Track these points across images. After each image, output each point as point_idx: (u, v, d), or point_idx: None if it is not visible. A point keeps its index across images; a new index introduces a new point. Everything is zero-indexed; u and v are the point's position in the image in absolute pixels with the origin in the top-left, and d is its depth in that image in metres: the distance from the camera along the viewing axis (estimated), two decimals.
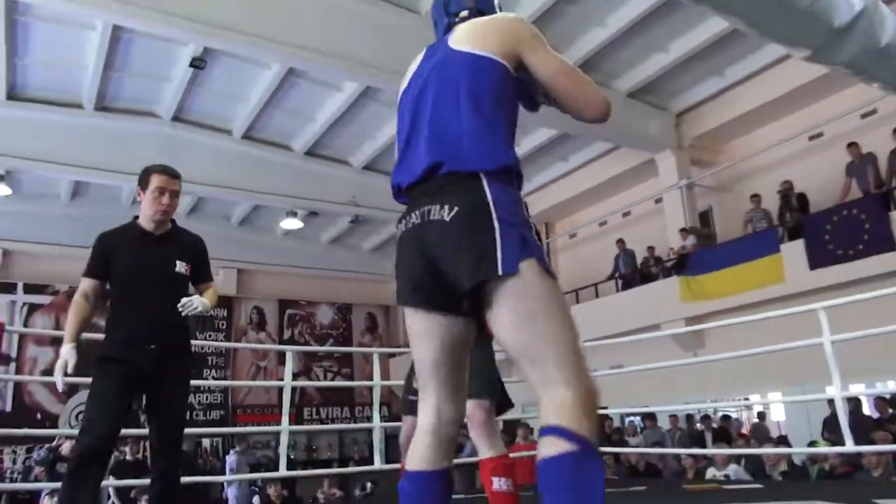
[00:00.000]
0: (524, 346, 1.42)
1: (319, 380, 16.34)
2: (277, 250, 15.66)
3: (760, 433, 8.76)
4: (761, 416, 9.75)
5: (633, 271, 11.79)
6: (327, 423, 15.83)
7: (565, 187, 13.35)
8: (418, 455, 1.57)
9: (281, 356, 14.57)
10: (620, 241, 12.28)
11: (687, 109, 11.34)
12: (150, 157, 10.57)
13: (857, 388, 7.98)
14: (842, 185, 9.00)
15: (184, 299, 2.81)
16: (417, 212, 1.56)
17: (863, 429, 7.02)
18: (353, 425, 15.86)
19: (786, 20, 2.49)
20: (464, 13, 1.78)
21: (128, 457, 8.29)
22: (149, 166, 2.93)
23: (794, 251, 8.77)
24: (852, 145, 8.95)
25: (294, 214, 13.70)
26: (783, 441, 7.67)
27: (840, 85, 9.52)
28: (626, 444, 9.09)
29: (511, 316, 1.43)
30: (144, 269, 2.82)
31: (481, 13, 1.77)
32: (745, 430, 9.45)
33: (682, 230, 10.71)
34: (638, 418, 10.52)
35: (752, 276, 9.04)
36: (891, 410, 7.49)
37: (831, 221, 8.48)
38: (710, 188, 11.69)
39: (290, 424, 4.92)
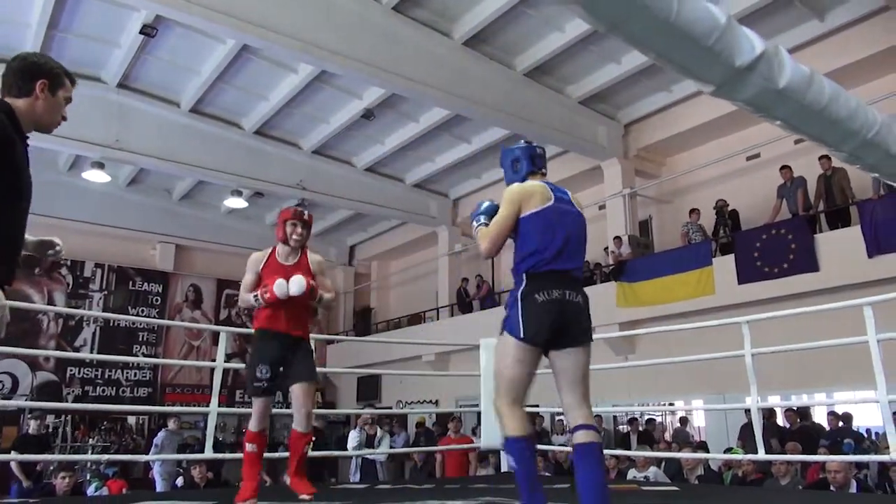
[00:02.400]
0: (586, 377, 2.60)
1: None
2: (219, 228, 15.31)
3: (681, 438, 9.06)
4: (683, 421, 10.09)
5: None
6: None
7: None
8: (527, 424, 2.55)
9: (215, 336, 14.25)
10: None
11: (635, 121, 11.61)
12: (93, 122, 10.20)
13: (773, 399, 8.35)
14: (773, 206, 9.36)
15: (55, 239, 2.35)
16: (560, 290, 2.59)
17: (775, 438, 7.37)
18: (285, 410, 15.65)
19: (691, 56, 2.61)
20: (543, 171, 2.89)
21: (31, 430, 8.01)
22: (55, 62, 2.23)
23: (724, 265, 9.08)
24: (785, 168, 9.31)
25: (239, 193, 13.41)
26: (702, 446, 7.95)
27: None
28: (552, 443, 9.27)
29: (587, 360, 2.62)
30: (28, 183, 2.09)
31: (545, 174, 2.89)
32: (667, 435, 9.75)
33: (616, 238, 10.95)
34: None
35: (685, 286, 9.32)
36: (799, 421, 7.85)
37: (760, 239, 8.82)
38: (651, 199, 12.00)
39: (219, 406, 4.82)
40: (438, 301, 14.94)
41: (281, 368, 3.63)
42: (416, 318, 15.65)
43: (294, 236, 3.65)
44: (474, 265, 14.84)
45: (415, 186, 14.34)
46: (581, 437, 2.48)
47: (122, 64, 9.92)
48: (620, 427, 10.67)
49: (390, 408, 14.72)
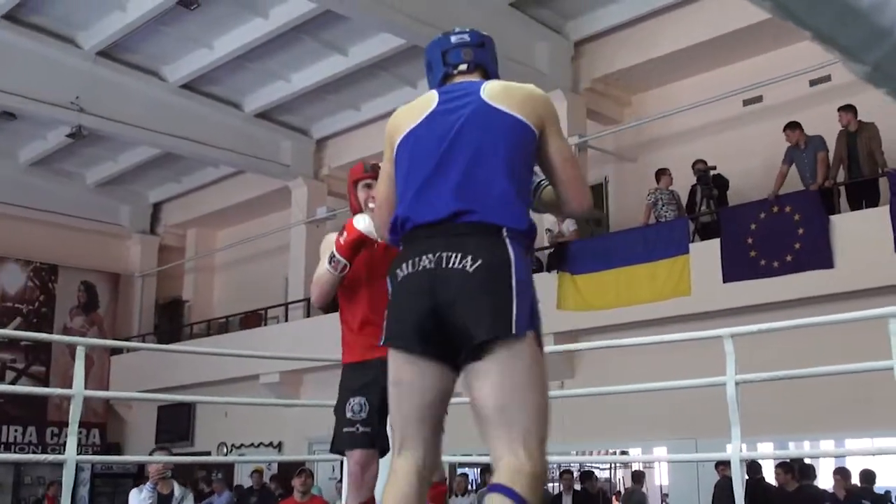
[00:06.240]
0: (503, 408, 2.24)
1: None
2: None
3: (634, 501, 9.41)
4: (638, 476, 10.41)
5: None
6: None
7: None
8: (403, 495, 2.35)
9: None
10: None
11: (590, 38, 11.78)
12: None
13: (763, 448, 8.76)
14: (777, 173, 9.72)
15: None
16: (431, 255, 2.31)
17: (762, 502, 7.76)
18: (40, 456, 15.12)
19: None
20: (462, 66, 2.69)
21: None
22: None
23: (705, 254, 9.39)
24: (793, 127, 9.60)
25: None
26: None
27: (790, 37, 10.32)
28: None
29: (501, 377, 2.24)
30: None
31: (479, 67, 2.71)
32: (616, 496, 10.10)
33: None
34: (474, 470, 10.89)
35: (650, 283, 9.56)
36: (796, 483, 8.24)
37: (756, 219, 9.18)
38: (608, 153, 12.26)
39: None
40: (289, 293, 14.75)
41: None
42: (252, 319, 15.40)
43: (371, 203, 3.67)
44: None
45: (259, 117, 14.03)
46: (490, 501, 2.23)
47: None
48: (549, 484, 10.94)
49: (209, 453, 14.45)
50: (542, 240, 11.43)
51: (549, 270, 10.61)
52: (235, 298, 16.71)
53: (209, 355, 12.41)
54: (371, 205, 3.63)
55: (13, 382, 15.63)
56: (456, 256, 2.28)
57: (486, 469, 10.25)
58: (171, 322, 17.62)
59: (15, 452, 15.13)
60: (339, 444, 3.67)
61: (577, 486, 10.03)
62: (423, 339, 2.31)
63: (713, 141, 11.18)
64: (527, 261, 2.36)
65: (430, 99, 2.58)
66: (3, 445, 15.31)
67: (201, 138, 13.48)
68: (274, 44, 11.82)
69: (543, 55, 11.45)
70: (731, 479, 4.98)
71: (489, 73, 2.71)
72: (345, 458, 3.78)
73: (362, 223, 3.55)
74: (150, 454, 8.36)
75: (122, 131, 13.18)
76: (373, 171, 3.75)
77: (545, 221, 11.42)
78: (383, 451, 3.60)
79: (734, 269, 9.10)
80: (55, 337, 15.11)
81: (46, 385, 15.33)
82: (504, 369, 2.23)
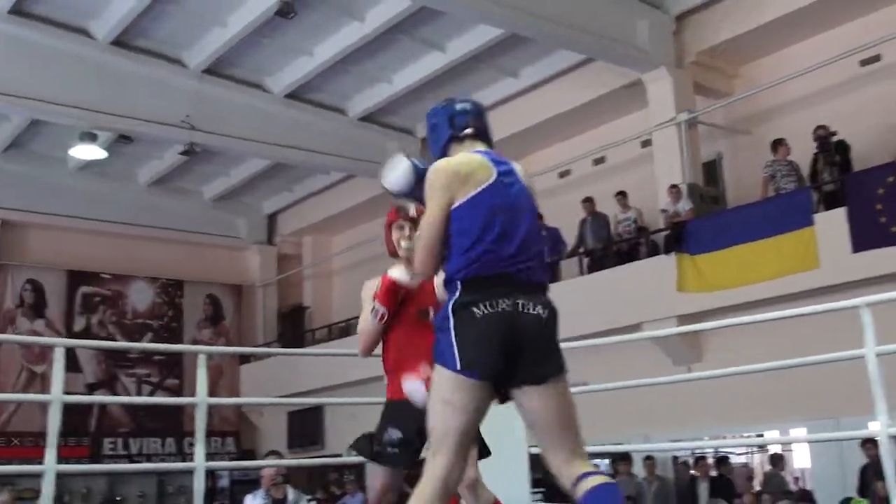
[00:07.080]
0: (572, 424, 2.77)
1: (130, 394, 15.95)
2: (66, 193, 15.08)
3: (774, 485, 9.09)
4: (776, 460, 10.10)
5: (606, 245, 11.92)
6: (140, 461, 15.48)
7: (512, 115, 13.30)
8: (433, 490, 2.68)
9: (69, 356, 14.08)
10: (588, 201, 12.38)
11: (691, 10, 11.46)
12: None
13: None
14: None
15: None
16: (512, 301, 2.73)
17: None
18: (171, 465, 15.59)
19: None
20: (469, 131, 3.11)
21: None
22: None
23: (832, 225, 9.02)
24: None
25: (92, 138, 13.13)
26: (806, 498, 8.00)
27: None
28: None
29: (569, 399, 2.79)
30: None
31: (480, 134, 3.15)
32: (756, 480, 9.79)
33: (672, 188, 10.87)
34: (605, 460, 10.75)
35: (775, 258, 9.25)
36: None
37: (884, 184, 8.76)
38: (720, 128, 11.90)
39: (59, 462, 4.74)
40: None
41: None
42: None
43: (403, 243, 3.87)
44: None
45: (363, 120, 14.15)
46: (591, 481, 2.66)
47: None
48: (687, 472, 10.69)
49: (339, 455, 14.66)
50: (658, 221, 11.22)
51: (667, 252, 10.39)
52: (354, 302, 16.90)
53: (334, 357, 12.61)
54: (404, 244, 3.85)
55: (150, 395, 16.15)
56: (529, 304, 2.76)
57: (617, 458, 10.11)
58: (293, 329, 17.93)
59: (154, 462, 15.63)
60: (380, 459, 3.72)
61: (713, 473, 9.77)
62: (495, 367, 2.71)
63: (830, 106, 10.72)
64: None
65: (484, 161, 2.95)
66: (144, 457, 15.77)
67: (309, 146, 13.70)
68: (372, 46, 11.90)
69: (644, 32, 11.18)
70: (879, 458, 4.72)
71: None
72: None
73: (396, 272, 3.76)
74: (264, 458, 8.49)
75: (232, 145, 13.51)
76: (404, 215, 3.93)
77: (660, 202, 11.21)
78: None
79: (864, 237, 8.73)
80: (177, 347, 15.67)
81: (180, 396, 15.81)
82: (567, 396, 2.83)
